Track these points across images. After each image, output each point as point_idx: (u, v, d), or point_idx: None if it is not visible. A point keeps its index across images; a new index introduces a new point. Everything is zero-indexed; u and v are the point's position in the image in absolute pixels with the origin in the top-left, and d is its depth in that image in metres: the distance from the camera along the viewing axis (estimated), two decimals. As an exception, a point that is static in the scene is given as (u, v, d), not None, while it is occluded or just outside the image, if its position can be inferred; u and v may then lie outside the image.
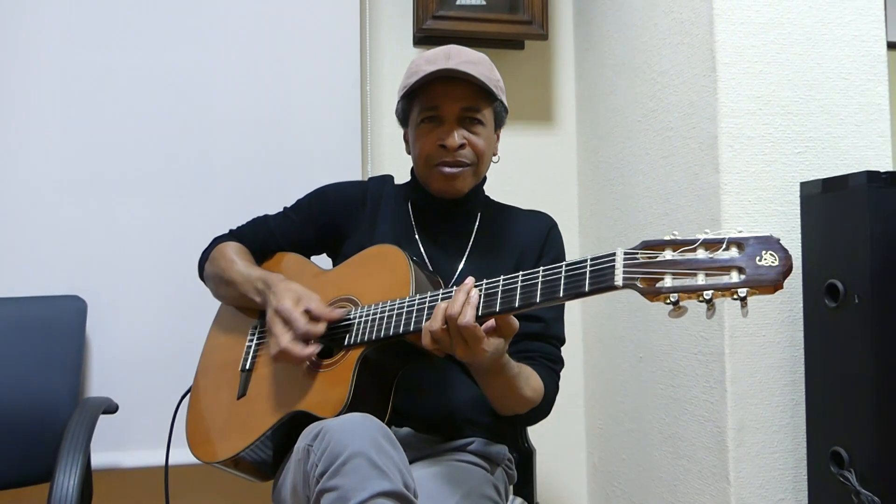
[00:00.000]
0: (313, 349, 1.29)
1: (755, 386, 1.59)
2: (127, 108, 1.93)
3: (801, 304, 1.59)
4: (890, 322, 1.43)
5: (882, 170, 1.47)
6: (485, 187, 1.58)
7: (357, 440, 1.10)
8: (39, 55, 1.90)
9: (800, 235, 1.60)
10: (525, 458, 1.57)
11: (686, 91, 1.73)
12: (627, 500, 2.02)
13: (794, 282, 1.59)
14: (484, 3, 2.17)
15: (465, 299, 1.17)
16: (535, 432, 1.61)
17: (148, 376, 1.87)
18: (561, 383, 1.46)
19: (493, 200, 1.60)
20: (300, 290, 1.36)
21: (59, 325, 1.80)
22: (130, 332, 1.90)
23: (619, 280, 1.04)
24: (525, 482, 1.57)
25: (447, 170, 1.43)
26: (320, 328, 1.30)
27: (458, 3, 2.15)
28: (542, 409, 1.40)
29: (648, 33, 1.90)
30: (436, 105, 1.42)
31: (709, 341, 1.64)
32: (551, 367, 1.44)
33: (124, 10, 1.94)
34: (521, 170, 2.26)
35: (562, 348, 1.49)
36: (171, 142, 1.95)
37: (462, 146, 1.42)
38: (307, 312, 1.31)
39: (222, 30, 1.99)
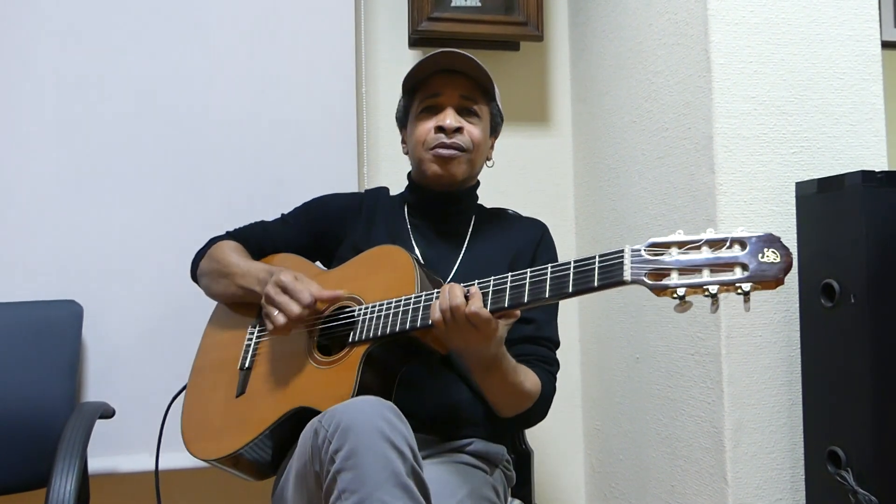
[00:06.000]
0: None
1: (752, 386, 1.59)
2: (122, 112, 1.93)
3: (798, 304, 1.59)
4: (886, 321, 1.43)
5: (877, 169, 1.47)
6: (481, 188, 1.59)
7: (370, 419, 1.10)
8: (34, 58, 1.89)
9: (795, 235, 1.60)
10: (523, 460, 1.58)
11: (681, 91, 1.73)
12: (625, 500, 2.02)
13: (790, 282, 1.59)
14: (479, 4, 2.17)
15: (474, 292, 1.21)
16: (532, 434, 1.61)
17: (144, 380, 1.87)
18: (558, 384, 1.46)
19: (486, 207, 1.62)
20: (302, 275, 1.39)
21: (55, 329, 1.80)
22: (127, 336, 1.90)
23: (627, 275, 1.09)
24: (523, 483, 1.57)
25: (443, 151, 1.47)
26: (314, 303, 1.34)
27: (453, 4, 2.15)
28: (539, 408, 1.41)
29: (643, 34, 1.90)
30: (437, 92, 1.49)
31: (705, 342, 1.64)
32: (547, 369, 1.45)
33: (117, 13, 1.93)
34: (517, 171, 2.26)
35: (557, 351, 1.49)
36: (167, 146, 1.94)
37: (459, 130, 1.47)
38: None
39: (217, 34, 1.98)
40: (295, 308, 1.31)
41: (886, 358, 1.43)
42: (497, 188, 1.63)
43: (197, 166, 1.96)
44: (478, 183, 1.58)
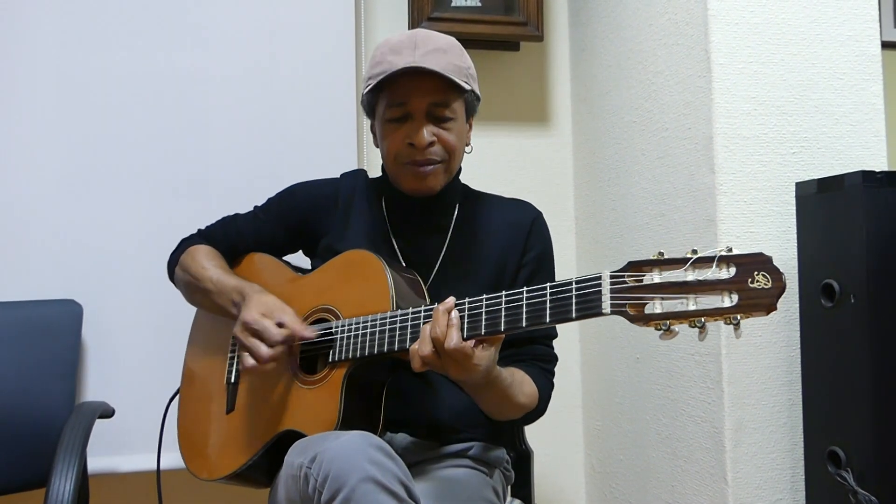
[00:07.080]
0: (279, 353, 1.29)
1: (752, 386, 1.59)
2: (121, 111, 1.92)
3: (798, 304, 1.59)
4: (886, 321, 1.43)
5: (877, 169, 1.47)
6: (479, 188, 1.57)
7: (358, 464, 1.08)
8: (34, 58, 1.89)
9: (795, 235, 1.60)
10: (523, 460, 1.57)
11: (681, 91, 1.73)
12: (625, 500, 2.02)
13: (791, 282, 1.59)
14: (479, 4, 2.17)
15: (448, 321, 1.14)
16: (532, 433, 1.61)
17: (144, 380, 1.87)
18: (558, 384, 1.46)
19: (472, 190, 1.54)
20: (273, 302, 1.33)
21: (54, 329, 1.79)
22: (126, 335, 1.90)
23: (606, 307, 1.02)
24: (523, 483, 1.56)
25: (417, 168, 1.38)
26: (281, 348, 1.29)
27: (453, 4, 2.15)
28: (538, 410, 1.39)
29: (643, 34, 1.90)
30: (403, 101, 1.35)
31: (705, 342, 1.63)
32: (544, 368, 1.42)
33: (115, 11, 1.93)
34: (517, 171, 2.26)
35: (554, 342, 1.46)
36: (167, 144, 1.94)
37: (431, 143, 1.36)
38: (279, 325, 1.29)
39: (217, 32, 1.98)
40: (264, 351, 1.27)
41: (886, 358, 1.43)
42: (497, 188, 1.61)
43: (197, 166, 1.96)
44: (459, 169, 1.48)
